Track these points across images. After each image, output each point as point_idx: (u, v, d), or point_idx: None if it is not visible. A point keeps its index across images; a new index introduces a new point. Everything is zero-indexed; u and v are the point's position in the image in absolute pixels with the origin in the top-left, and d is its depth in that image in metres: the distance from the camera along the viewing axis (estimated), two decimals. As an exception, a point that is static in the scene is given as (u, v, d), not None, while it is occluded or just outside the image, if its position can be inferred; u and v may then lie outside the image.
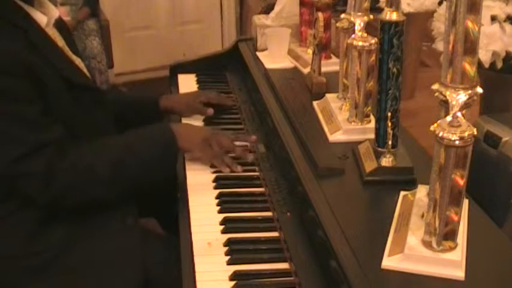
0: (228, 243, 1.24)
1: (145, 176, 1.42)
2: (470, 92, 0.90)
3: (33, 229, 1.34)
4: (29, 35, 1.30)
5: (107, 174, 1.34)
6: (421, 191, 1.13)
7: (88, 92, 1.44)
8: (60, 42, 1.42)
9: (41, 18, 1.36)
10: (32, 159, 1.27)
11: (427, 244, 0.99)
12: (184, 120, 1.78)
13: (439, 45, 2.10)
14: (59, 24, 1.47)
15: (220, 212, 1.35)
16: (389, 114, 1.23)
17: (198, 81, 2.10)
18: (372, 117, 1.43)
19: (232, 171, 1.49)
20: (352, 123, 1.44)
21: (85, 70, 1.49)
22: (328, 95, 1.61)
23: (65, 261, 1.33)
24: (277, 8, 2.14)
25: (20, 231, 1.34)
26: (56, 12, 1.44)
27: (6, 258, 1.33)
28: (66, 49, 1.44)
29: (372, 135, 1.31)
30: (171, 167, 1.47)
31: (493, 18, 1.98)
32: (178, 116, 1.81)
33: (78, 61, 1.47)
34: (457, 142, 0.89)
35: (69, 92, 1.35)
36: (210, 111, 1.76)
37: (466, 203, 1.11)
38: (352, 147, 1.36)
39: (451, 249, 0.98)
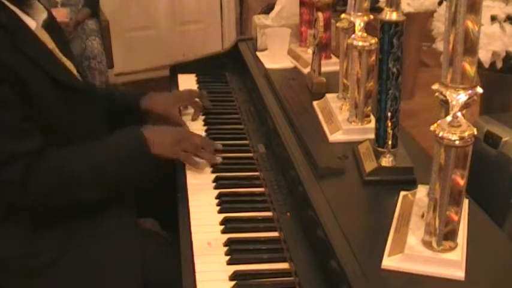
0: (228, 243, 1.24)
1: (123, 178, 1.41)
2: (470, 92, 0.90)
3: (30, 230, 1.34)
4: (16, 37, 1.30)
5: (85, 176, 1.35)
6: (421, 191, 1.13)
7: (78, 94, 1.43)
8: (50, 44, 1.42)
9: (30, 22, 1.36)
10: (8, 167, 1.27)
11: (427, 244, 0.99)
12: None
13: (439, 45, 2.11)
14: (51, 25, 1.46)
15: (220, 212, 1.35)
16: (389, 114, 1.23)
17: (198, 81, 2.11)
18: (372, 117, 1.43)
19: (213, 163, 1.50)
20: (352, 123, 1.44)
21: (75, 72, 1.48)
22: (328, 95, 1.61)
23: (63, 262, 1.33)
24: (277, 8, 2.14)
25: (18, 232, 1.34)
26: (45, 13, 1.44)
27: (5, 259, 1.33)
28: (57, 51, 1.43)
29: (372, 135, 1.31)
30: (148, 172, 1.44)
31: (493, 18, 1.99)
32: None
33: (68, 63, 1.46)
34: (457, 142, 0.89)
35: (58, 93, 1.35)
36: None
37: (466, 203, 1.11)
38: (352, 147, 1.36)
39: (451, 249, 0.98)
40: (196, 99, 1.83)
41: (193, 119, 1.79)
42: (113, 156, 1.40)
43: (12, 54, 1.27)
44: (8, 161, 1.27)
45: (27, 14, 1.37)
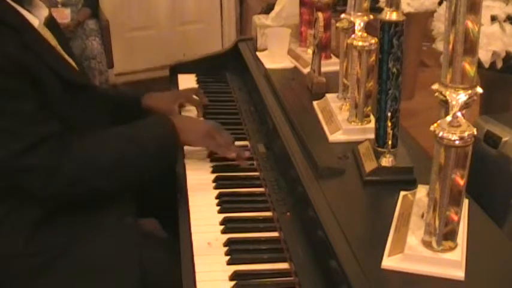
0: (228, 243, 1.24)
1: (146, 168, 1.43)
2: (470, 92, 0.90)
3: (32, 229, 1.34)
4: (21, 34, 1.30)
5: (110, 165, 1.36)
6: (421, 191, 1.13)
7: (81, 90, 1.44)
8: (53, 41, 1.42)
9: (32, 19, 1.36)
10: (35, 151, 1.27)
11: (427, 244, 0.99)
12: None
13: (439, 45, 2.11)
14: (51, 23, 1.46)
15: (220, 212, 1.36)
16: (389, 114, 1.23)
17: (198, 81, 2.11)
18: (372, 117, 1.43)
19: (240, 159, 1.51)
20: (352, 123, 1.44)
21: (76, 69, 1.48)
22: (328, 95, 1.61)
23: (64, 261, 1.33)
24: (277, 8, 2.14)
25: (19, 231, 1.34)
26: (46, 11, 1.44)
27: (7, 257, 1.33)
28: (59, 48, 1.44)
29: (372, 135, 1.31)
30: (172, 161, 1.48)
31: (493, 18, 1.99)
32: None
33: (70, 60, 1.47)
34: (457, 142, 0.89)
35: (65, 90, 1.35)
36: None
37: (466, 203, 1.11)
38: (352, 147, 1.36)
39: (451, 249, 0.98)
40: (195, 96, 1.84)
41: (199, 117, 1.81)
42: (140, 142, 1.41)
43: (21, 52, 1.28)
44: (33, 145, 1.27)
45: (29, 11, 1.37)
